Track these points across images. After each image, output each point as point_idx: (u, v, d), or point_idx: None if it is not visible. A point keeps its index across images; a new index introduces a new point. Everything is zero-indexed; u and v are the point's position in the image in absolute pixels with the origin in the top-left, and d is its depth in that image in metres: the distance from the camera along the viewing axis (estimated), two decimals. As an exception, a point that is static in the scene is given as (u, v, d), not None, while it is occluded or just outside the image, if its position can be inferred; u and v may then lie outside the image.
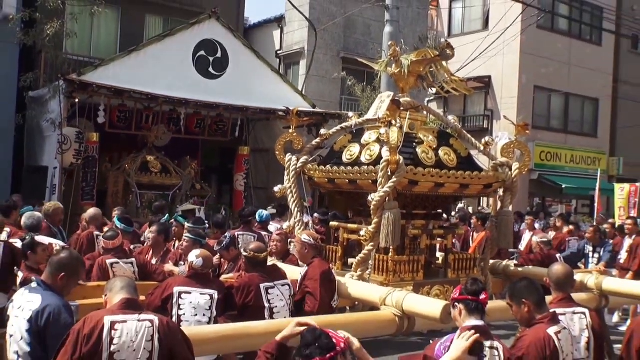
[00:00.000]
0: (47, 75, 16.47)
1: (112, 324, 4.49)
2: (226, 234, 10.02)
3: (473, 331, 4.45)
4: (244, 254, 7.22)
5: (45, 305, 4.80)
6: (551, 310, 5.34)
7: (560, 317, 5.42)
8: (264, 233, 11.62)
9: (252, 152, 19.74)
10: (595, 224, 17.15)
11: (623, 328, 13.02)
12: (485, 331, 4.62)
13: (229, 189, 20.48)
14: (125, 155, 17.76)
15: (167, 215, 11.84)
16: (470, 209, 24.66)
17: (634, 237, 13.63)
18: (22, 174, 17.68)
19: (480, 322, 4.65)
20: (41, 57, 16.76)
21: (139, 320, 4.59)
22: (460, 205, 23.38)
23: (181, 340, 4.86)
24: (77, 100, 14.89)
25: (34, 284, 5.07)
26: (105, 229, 9.33)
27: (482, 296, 4.73)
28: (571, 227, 15.52)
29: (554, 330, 5.04)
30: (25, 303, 4.87)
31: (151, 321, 4.63)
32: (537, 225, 17.88)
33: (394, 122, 8.00)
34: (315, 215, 13.19)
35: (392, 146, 7.70)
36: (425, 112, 9.69)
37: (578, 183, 30.01)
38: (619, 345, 6.03)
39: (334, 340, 3.61)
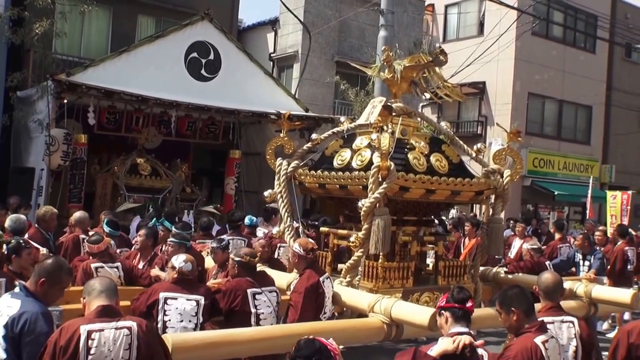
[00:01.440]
0: (35, 75, 16.21)
1: (89, 333, 4.41)
2: (223, 236, 10.01)
3: (461, 337, 4.48)
4: (237, 258, 7.13)
5: (23, 312, 4.68)
6: (540, 319, 5.32)
7: (548, 326, 5.42)
8: (253, 238, 11.58)
9: (244, 156, 19.54)
10: (584, 231, 17.14)
11: (611, 335, 13.01)
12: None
13: (219, 192, 20.33)
14: (114, 157, 17.52)
15: (155, 219, 11.69)
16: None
17: (619, 243, 13.79)
18: (7, 175, 17.46)
19: (465, 329, 4.65)
20: (29, 56, 16.53)
21: (116, 328, 4.51)
22: (453, 211, 23.32)
23: (159, 345, 4.81)
24: (65, 101, 14.70)
25: (16, 289, 4.95)
26: (91, 232, 9.25)
27: (469, 304, 4.76)
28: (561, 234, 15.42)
29: (541, 339, 4.99)
30: (4, 308, 4.75)
31: (129, 328, 4.56)
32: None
33: (385, 127, 7.94)
34: (309, 221, 13.06)
35: (383, 152, 7.64)
36: (418, 118, 9.64)
37: (570, 190, 30.03)
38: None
39: (332, 353, 3.55)
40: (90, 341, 4.39)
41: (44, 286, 4.90)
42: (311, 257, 7.66)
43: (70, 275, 5.43)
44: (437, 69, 9.51)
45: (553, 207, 32.21)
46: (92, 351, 4.38)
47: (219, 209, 16.67)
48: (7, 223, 8.99)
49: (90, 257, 8.03)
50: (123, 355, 4.50)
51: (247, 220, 12.18)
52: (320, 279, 7.43)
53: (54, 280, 4.97)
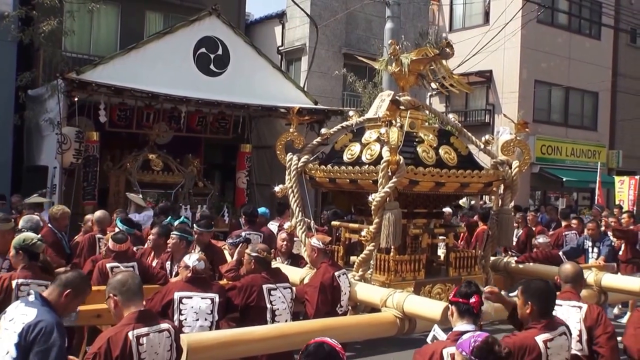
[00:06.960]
0: (45, 74, 16.28)
1: (138, 338, 4.57)
2: (242, 233, 10.06)
3: None
4: (253, 254, 7.18)
5: (39, 320, 4.50)
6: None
7: (558, 308, 5.59)
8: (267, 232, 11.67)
9: (255, 149, 19.68)
10: (592, 216, 17.15)
11: (624, 320, 13.04)
12: None
13: (231, 186, 20.47)
14: (126, 153, 17.66)
15: (170, 217, 11.67)
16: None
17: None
18: (21, 174, 17.58)
19: (470, 327, 4.68)
20: (39, 55, 16.55)
21: (159, 332, 4.69)
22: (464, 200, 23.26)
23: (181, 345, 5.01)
24: (76, 99, 14.71)
25: (31, 297, 4.75)
26: (109, 231, 9.32)
27: (472, 299, 4.76)
28: (571, 221, 15.30)
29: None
30: (19, 316, 4.57)
31: (168, 330, 4.77)
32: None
33: (394, 121, 8.00)
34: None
35: (392, 146, 7.69)
36: (426, 111, 9.70)
37: (578, 176, 30.04)
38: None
39: (340, 354, 3.61)
40: (140, 346, 4.55)
41: (69, 297, 4.80)
42: (329, 250, 7.82)
43: (90, 290, 5.43)
44: (444, 61, 9.56)
45: (562, 193, 32.25)
46: (142, 355, 4.56)
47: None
48: (21, 224, 9.02)
49: (106, 256, 8.11)
50: (166, 356, 4.71)
51: (261, 211, 12.31)
52: (336, 273, 7.54)
53: (79, 292, 4.91)
